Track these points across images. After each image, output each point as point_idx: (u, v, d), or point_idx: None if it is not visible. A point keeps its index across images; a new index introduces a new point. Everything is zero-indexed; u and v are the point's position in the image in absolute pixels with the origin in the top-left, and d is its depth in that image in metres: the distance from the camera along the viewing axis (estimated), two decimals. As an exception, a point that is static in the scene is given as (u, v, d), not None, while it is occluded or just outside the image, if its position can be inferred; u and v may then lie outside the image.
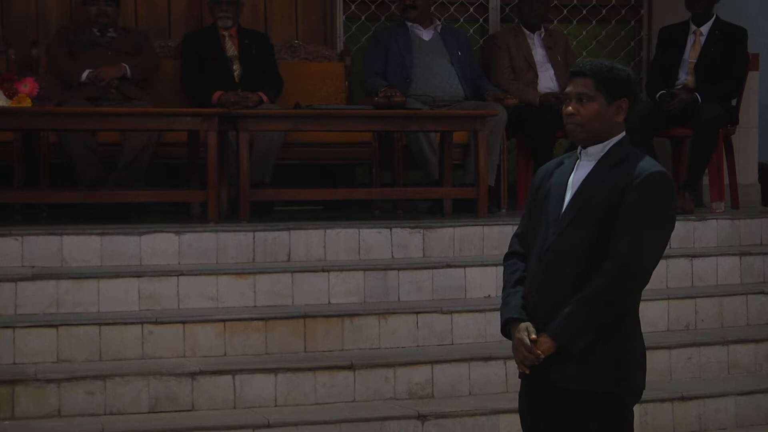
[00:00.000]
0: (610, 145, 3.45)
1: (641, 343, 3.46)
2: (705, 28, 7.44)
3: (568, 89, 3.48)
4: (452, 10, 8.13)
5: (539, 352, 3.36)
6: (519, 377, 3.53)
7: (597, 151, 3.46)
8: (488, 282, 5.89)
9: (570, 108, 3.44)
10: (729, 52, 7.37)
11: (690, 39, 7.47)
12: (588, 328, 3.33)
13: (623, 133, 3.48)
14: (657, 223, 3.36)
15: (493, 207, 6.90)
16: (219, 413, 4.99)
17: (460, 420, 5.10)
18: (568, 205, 3.42)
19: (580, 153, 3.49)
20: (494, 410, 5.14)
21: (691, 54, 7.45)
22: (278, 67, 7.35)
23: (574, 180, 3.45)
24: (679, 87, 7.37)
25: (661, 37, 7.69)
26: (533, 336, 3.38)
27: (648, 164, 3.40)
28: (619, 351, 3.37)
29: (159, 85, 7.31)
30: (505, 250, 6.22)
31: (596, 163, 3.44)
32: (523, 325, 3.42)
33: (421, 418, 5.06)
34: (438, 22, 7.56)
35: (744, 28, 7.45)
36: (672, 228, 3.45)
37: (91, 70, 6.84)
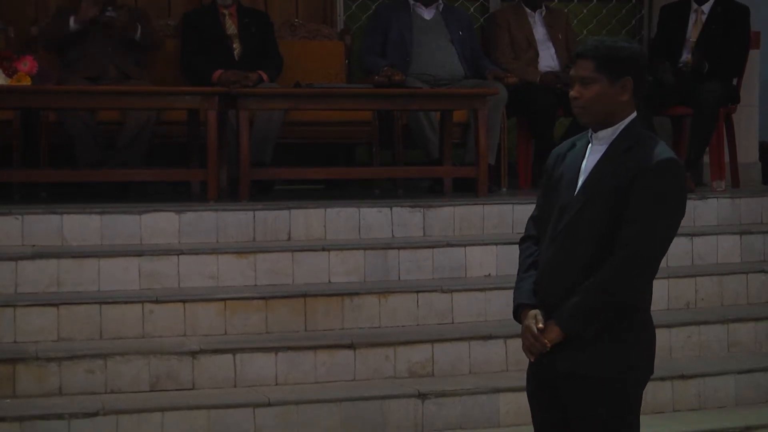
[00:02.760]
0: (621, 128, 3.37)
1: (650, 329, 3.41)
2: (707, 6, 7.41)
3: (572, 72, 3.42)
4: (453, -12, 8.11)
5: (546, 341, 3.34)
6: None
7: (608, 134, 3.38)
8: (488, 261, 5.89)
9: (573, 92, 3.38)
10: (730, 30, 7.35)
11: (692, 17, 7.45)
12: (596, 316, 3.30)
13: (634, 114, 3.40)
14: (667, 211, 3.31)
15: (493, 186, 6.90)
16: (219, 392, 5.00)
17: (460, 399, 5.12)
18: (579, 190, 3.37)
19: (591, 137, 3.43)
20: (494, 389, 5.15)
21: (692, 32, 7.43)
22: (278, 45, 7.34)
23: (587, 165, 3.39)
24: (680, 66, 7.36)
25: (662, 15, 7.67)
26: (540, 325, 3.36)
27: (659, 150, 3.33)
28: (627, 337, 3.33)
29: (158, 63, 7.29)
30: (505, 229, 6.28)
31: (607, 148, 3.37)
32: (532, 312, 3.39)
33: (422, 396, 5.07)
34: (440, 1, 7.53)
35: (746, 5, 7.42)
36: (682, 215, 3.39)
37: (76, 15, 6.80)
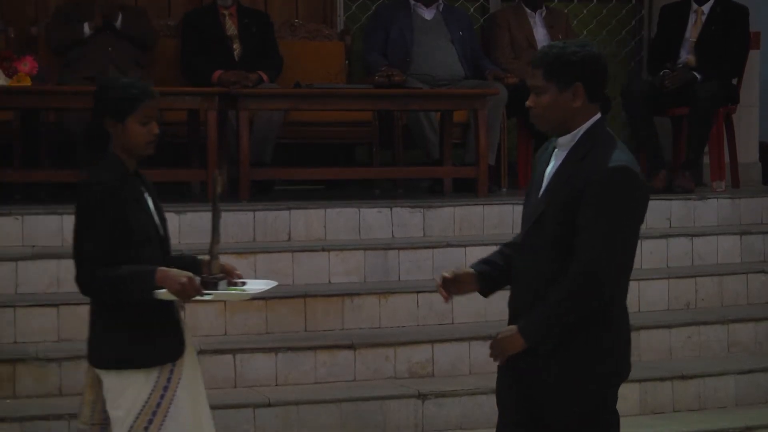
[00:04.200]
0: (580, 133, 3.31)
1: (623, 329, 3.38)
2: (706, 7, 7.41)
3: (527, 81, 3.42)
4: (453, -12, 8.11)
5: (503, 349, 3.34)
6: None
7: (567, 141, 3.33)
8: (488, 261, 5.88)
9: (528, 101, 3.35)
10: (730, 31, 7.35)
11: (691, 17, 7.45)
12: (555, 329, 3.27)
13: (596, 117, 3.33)
14: (618, 224, 3.23)
15: (493, 186, 6.90)
16: (219, 392, 4.99)
17: (460, 399, 5.12)
18: (540, 197, 3.34)
19: (555, 141, 3.39)
20: (494, 389, 5.14)
21: (692, 32, 7.43)
22: (278, 46, 7.34)
23: (549, 171, 3.36)
24: (680, 65, 7.36)
25: (662, 15, 7.67)
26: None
27: (612, 157, 3.25)
28: (598, 339, 3.30)
29: (159, 64, 7.29)
30: (506, 229, 6.27)
31: (567, 154, 3.33)
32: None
33: (422, 397, 5.07)
34: (440, 1, 7.53)
35: (745, 6, 7.42)
36: (638, 224, 3.31)
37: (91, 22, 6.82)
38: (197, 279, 3.45)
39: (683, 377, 5.47)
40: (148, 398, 3.45)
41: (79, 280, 3.48)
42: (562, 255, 3.26)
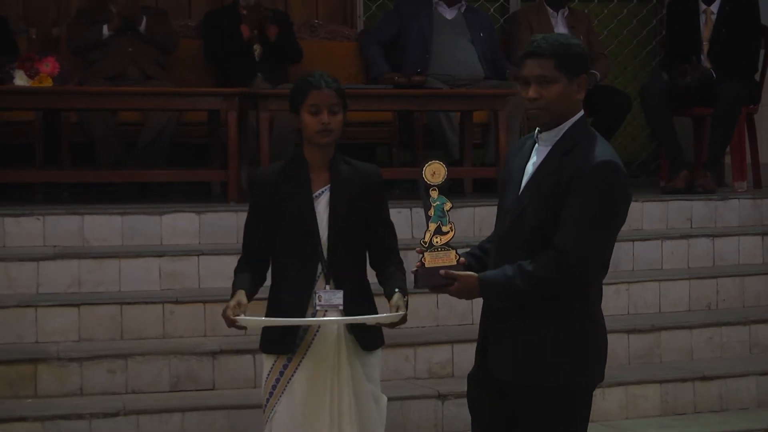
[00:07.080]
0: (566, 128, 3.27)
1: (596, 334, 3.32)
2: (714, 6, 7.32)
3: (524, 72, 3.29)
4: (473, -12, 8.09)
5: (461, 295, 3.37)
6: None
7: (551, 136, 3.28)
8: (509, 261, 5.87)
9: (531, 92, 3.25)
10: (742, 27, 7.25)
11: (702, 18, 7.35)
12: (510, 299, 3.26)
13: (581, 113, 3.30)
14: (600, 220, 3.20)
15: (514, 186, 6.87)
16: (240, 392, 5.00)
17: (481, 399, 5.10)
18: (521, 194, 3.30)
19: (537, 136, 3.34)
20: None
21: (704, 33, 7.34)
22: (299, 45, 7.33)
23: (530, 166, 3.31)
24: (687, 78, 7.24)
25: (669, 11, 7.57)
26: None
27: (597, 152, 3.22)
28: (569, 343, 3.25)
29: (179, 64, 7.31)
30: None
31: (550, 150, 3.28)
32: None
33: (441, 397, 5.07)
34: (462, 2, 7.52)
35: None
36: (620, 222, 3.28)
37: (109, 24, 6.86)
38: (231, 312, 3.64)
39: (704, 378, 5.45)
40: (266, 380, 3.76)
41: None
42: (539, 249, 3.23)
